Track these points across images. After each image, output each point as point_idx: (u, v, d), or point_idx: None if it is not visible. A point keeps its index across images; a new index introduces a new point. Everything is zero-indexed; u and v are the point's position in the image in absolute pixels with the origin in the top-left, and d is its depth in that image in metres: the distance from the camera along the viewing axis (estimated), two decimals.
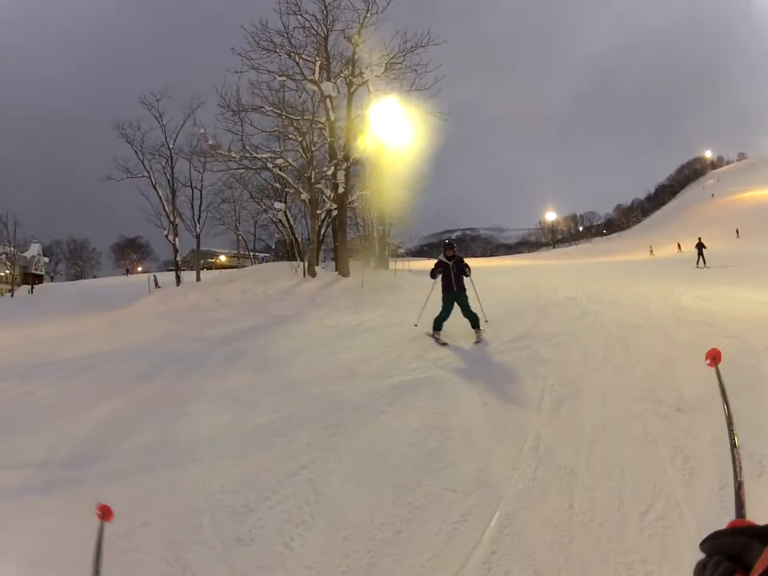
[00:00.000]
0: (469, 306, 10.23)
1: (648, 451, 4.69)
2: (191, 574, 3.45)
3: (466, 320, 10.08)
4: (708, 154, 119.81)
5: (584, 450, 4.80)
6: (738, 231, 53.20)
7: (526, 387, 6.65)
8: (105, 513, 2.39)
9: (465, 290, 10.49)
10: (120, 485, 4.79)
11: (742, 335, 8.17)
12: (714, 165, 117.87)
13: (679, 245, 50.86)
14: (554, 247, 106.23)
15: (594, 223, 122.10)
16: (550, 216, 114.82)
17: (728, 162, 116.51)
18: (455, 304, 10.28)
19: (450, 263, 10.51)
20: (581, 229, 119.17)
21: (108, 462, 5.33)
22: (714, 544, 0.77)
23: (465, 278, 10.55)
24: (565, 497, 4.04)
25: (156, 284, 42.81)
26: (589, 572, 3.25)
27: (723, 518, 3.35)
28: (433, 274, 10.68)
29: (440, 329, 10.09)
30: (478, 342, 9.57)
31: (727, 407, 2.35)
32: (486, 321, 10.54)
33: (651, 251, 54.23)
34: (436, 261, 10.89)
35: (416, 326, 10.84)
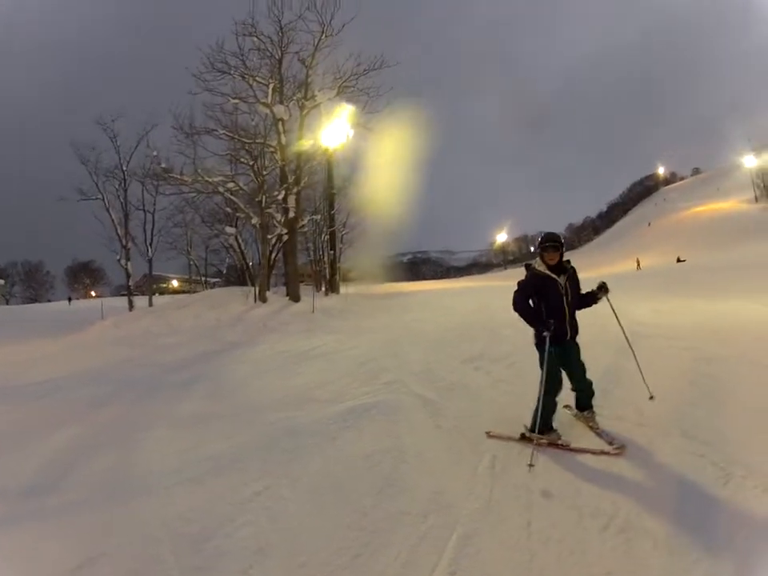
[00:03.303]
0: (583, 367, 5.68)
1: (595, 466, 4.85)
2: None
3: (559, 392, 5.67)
4: (661, 171, 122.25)
5: (539, 468, 4.89)
6: (678, 258, 52.17)
7: (480, 408, 6.73)
8: None
9: (577, 333, 5.69)
10: (79, 514, 4.76)
11: (699, 345, 8.52)
12: (667, 181, 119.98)
13: (638, 261, 51.14)
14: (505, 268, 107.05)
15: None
16: (501, 237, 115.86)
17: (681, 178, 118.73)
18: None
19: (560, 280, 5.54)
20: (532, 249, 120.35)
21: (66, 491, 5.31)
22: None
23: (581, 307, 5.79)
24: (522, 515, 4.11)
25: None
26: None
27: (686, 527, 3.46)
28: (532, 318, 5.59)
29: (551, 425, 5.53)
30: (599, 433, 5.53)
31: None
32: (652, 397, 5.83)
33: (638, 264, 51.48)
34: (525, 277, 5.72)
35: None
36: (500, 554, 3.64)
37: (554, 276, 5.51)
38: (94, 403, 8.91)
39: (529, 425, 5.51)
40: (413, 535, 3.98)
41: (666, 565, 3.36)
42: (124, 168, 32.90)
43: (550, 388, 5.45)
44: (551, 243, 5.54)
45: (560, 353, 5.49)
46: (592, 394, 5.74)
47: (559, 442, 5.32)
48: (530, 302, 5.65)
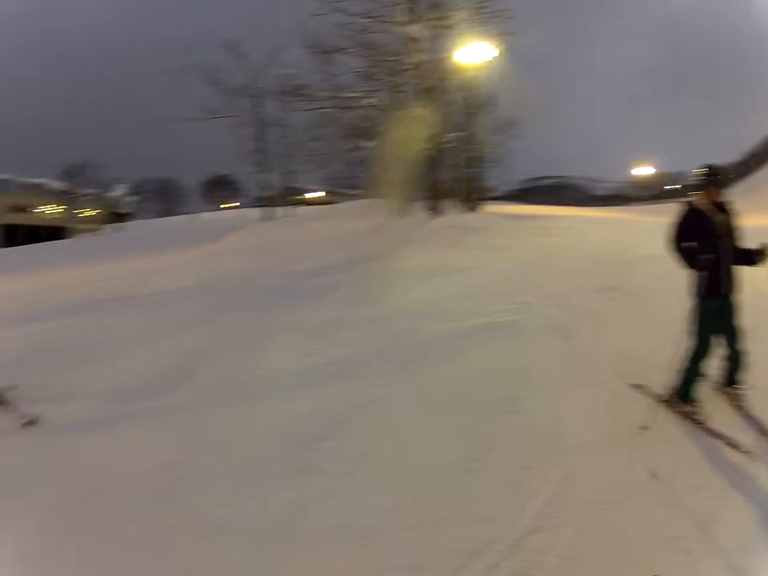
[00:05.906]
0: (739, 331, 4.60)
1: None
2: (262, 496, 3.65)
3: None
4: None
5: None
6: None
7: (608, 339, 6.39)
8: None
9: (734, 289, 4.63)
10: (198, 413, 5.02)
11: None
12: None
13: None
14: (646, 203, 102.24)
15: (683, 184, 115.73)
16: (643, 171, 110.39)
17: None
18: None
19: (719, 220, 4.57)
20: (674, 187, 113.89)
21: (188, 392, 5.57)
22: None
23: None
24: (628, 455, 3.98)
25: None
26: (628, 535, 3.26)
27: None
28: (689, 257, 4.58)
29: (693, 397, 4.56)
30: (743, 410, 4.51)
31: None
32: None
33: None
34: (680, 213, 4.69)
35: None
36: (596, 494, 3.61)
37: (713, 215, 4.52)
38: (222, 309, 9.19)
39: (672, 386, 4.66)
40: (523, 459, 3.94)
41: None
42: (256, 86, 33.48)
43: (701, 352, 4.54)
44: (712, 178, 4.59)
45: (715, 310, 4.55)
46: (744, 366, 4.64)
47: (694, 417, 4.44)
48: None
